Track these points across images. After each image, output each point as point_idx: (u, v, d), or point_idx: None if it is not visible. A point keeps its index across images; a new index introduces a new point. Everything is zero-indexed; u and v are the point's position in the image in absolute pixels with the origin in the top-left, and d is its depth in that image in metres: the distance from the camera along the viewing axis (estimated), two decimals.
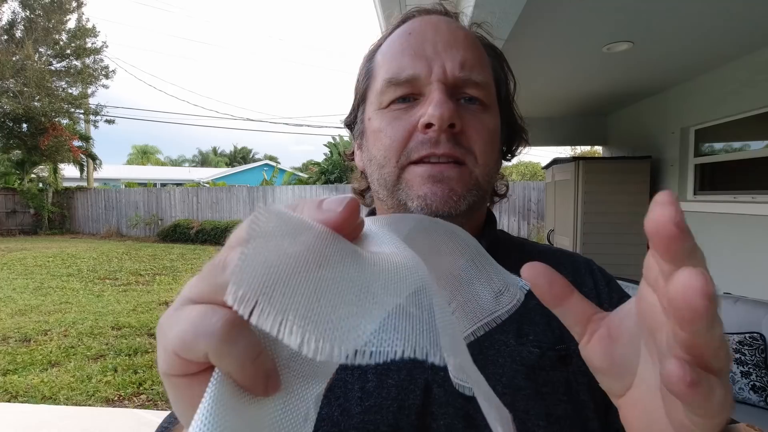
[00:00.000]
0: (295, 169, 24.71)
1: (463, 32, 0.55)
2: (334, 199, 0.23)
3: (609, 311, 0.56)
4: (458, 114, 0.50)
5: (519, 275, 0.59)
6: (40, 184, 15.08)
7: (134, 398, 3.30)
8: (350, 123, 0.63)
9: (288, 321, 0.17)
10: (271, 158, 41.47)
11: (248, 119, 24.33)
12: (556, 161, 4.95)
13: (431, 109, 0.49)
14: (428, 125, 0.49)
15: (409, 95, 0.52)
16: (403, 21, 0.57)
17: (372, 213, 0.63)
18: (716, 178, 3.76)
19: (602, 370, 0.28)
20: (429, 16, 0.56)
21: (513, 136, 0.63)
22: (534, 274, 0.29)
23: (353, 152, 0.65)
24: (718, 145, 3.76)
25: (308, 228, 0.21)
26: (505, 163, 0.63)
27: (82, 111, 16.38)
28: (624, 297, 0.59)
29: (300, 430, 0.21)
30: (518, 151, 0.65)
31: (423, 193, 0.50)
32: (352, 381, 0.50)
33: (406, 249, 0.24)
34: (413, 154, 0.51)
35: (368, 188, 0.61)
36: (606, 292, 0.57)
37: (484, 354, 0.50)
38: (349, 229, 0.23)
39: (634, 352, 0.26)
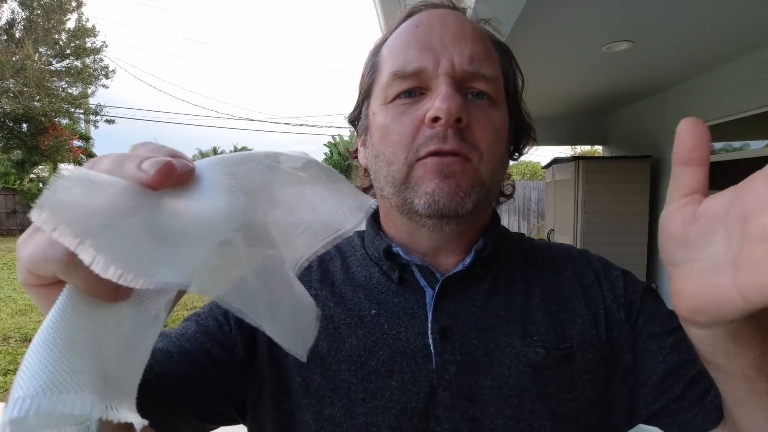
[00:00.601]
0: None
1: (471, 26, 0.54)
2: (153, 161, 0.26)
3: (609, 297, 0.57)
4: (465, 108, 0.49)
5: (522, 269, 0.59)
6: (41, 184, 15.07)
7: None
8: (354, 119, 0.62)
9: (84, 243, 0.22)
10: None
11: (248, 119, 24.34)
12: (556, 161, 4.94)
13: (438, 102, 0.48)
14: (435, 119, 0.48)
15: (414, 89, 0.51)
16: (410, 15, 0.56)
17: (375, 211, 0.63)
18: (716, 178, 3.74)
19: (671, 237, 0.31)
20: (436, 9, 0.55)
21: (521, 134, 0.62)
22: (686, 130, 0.32)
23: (357, 149, 0.64)
24: (717, 145, 3.76)
25: (112, 184, 0.25)
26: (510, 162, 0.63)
27: (82, 111, 16.36)
28: (625, 273, 0.59)
29: (150, 327, 0.26)
30: (526, 149, 0.64)
31: (431, 189, 0.49)
32: (356, 383, 0.49)
33: (227, 195, 0.28)
34: (422, 149, 0.49)
35: (371, 186, 0.61)
36: (604, 276, 0.58)
37: (490, 356, 0.50)
38: (164, 186, 0.26)
39: (707, 233, 0.28)
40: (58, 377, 0.21)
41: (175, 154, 0.28)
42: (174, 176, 0.26)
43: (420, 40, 0.51)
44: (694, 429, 0.50)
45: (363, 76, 0.59)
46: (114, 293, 0.24)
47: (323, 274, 0.58)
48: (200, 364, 0.49)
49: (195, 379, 0.49)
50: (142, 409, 0.24)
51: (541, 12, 2.39)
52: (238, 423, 0.55)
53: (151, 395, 0.45)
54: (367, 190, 0.63)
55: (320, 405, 0.49)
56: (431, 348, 0.50)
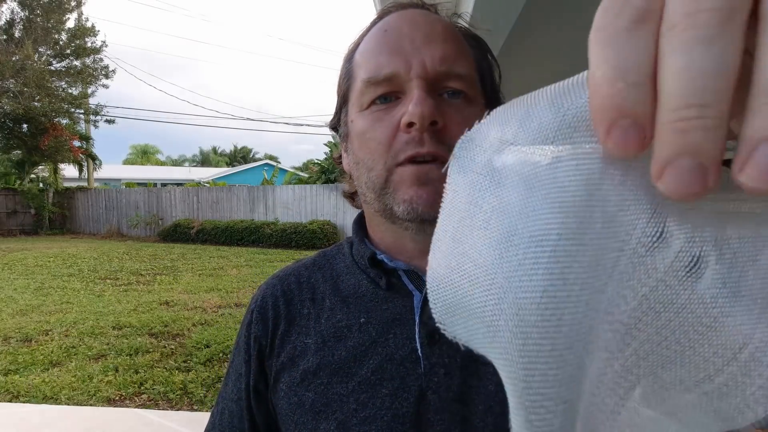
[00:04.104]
0: (296, 168, 24.67)
1: (441, 24, 0.52)
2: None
3: None
4: (440, 110, 0.48)
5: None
6: (41, 185, 15.09)
7: (135, 398, 3.31)
8: (335, 125, 0.61)
9: None
10: (272, 158, 41.39)
11: (248, 119, 24.33)
12: None
13: (411, 107, 0.47)
14: (410, 124, 0.47)
15: (389, 93, 0.51)
16: (380, 18, 0.55)
17: (360, 217, 0.62)
18: None
19: None
20: (405, 10, 0.54)
21: None
22: None
23: (340, 155, 0.63)
24: None
25: None
26: None
27: (82, 111, 16.39)
28: None
29: None
30: None
31: (408, 196, 0.48)
32: (347, 394, 0.49)
33: None
34: (400, 155, 0.49)
35: (356, 191, 0.60)
36: None
37: (477, 356, 0.50)
38: None
39: None
40: None
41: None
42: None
43: (390, 44, 0.51)
44: None
45: (339, 82, 0.58)
46: None
47: (311, 290, 0.58)
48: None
49: None
50: None
51: (541, 10, 2.39)
52: None
53: None
54: (354, 195, 0.63)
55: (315, 421, 0.50)
56: (419, 352, 0.50)
